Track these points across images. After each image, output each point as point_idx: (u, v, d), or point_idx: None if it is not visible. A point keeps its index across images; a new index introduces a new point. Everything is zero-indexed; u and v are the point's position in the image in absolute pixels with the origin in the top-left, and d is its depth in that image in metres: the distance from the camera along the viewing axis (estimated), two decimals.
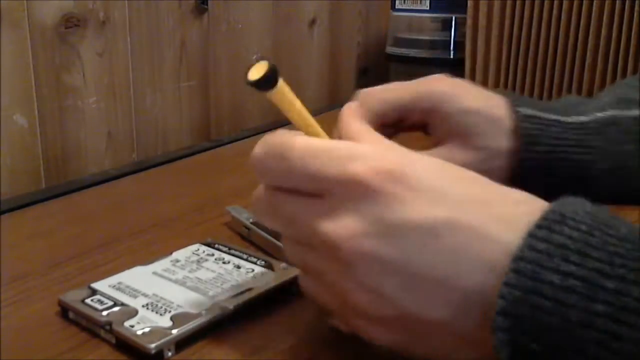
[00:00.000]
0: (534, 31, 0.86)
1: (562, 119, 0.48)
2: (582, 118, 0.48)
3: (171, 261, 0.42)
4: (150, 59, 0.77)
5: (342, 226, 0.29)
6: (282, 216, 0.32)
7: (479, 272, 0.27)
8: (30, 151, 0.67)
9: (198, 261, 0.42)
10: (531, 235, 0.27)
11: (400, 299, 0.29)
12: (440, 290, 0.28)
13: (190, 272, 0.40)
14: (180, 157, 0.73)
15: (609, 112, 0.49)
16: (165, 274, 0.40)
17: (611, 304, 0.25)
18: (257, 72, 0.31)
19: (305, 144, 0.31)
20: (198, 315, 0.35)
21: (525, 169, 0.47)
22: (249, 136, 0.81)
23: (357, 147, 0.31)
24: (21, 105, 0.66)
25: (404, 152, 0.31)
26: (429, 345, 0.30)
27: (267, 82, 0.32)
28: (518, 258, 0.26)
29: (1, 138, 0.64)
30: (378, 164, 0.29)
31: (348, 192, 0.29)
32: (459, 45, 0.94)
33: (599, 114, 0.49)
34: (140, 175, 0.68)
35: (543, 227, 0.27)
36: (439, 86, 0.47)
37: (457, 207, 0.29)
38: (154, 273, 0.40)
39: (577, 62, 0.83)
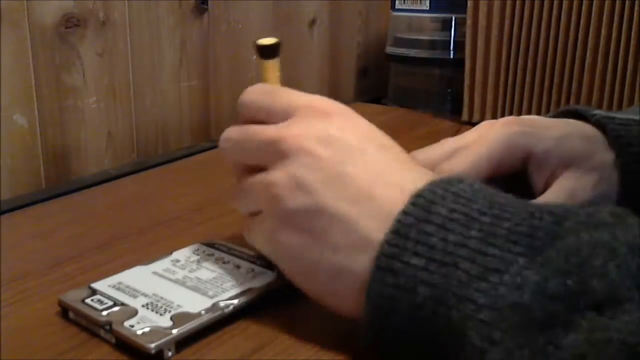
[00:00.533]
0: (533, 31, 0.86)
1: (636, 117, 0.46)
2: None
3: (171, 261, 0.42)
4: (150, 59, 0.77)
5: (291, 129, 0.36)
6: (245, 137, 0.39)
7: (393, 191, 0.33)
8: (30, 151, 0.67)
9: (198, 261, 0.42)
10: (432, 183, 0.32)
11: (318, 190, 0.34)
12: (356, 191, 0.34)
13: (190, 272, 0.40)
14: (180, 157, 0.73)
15: None
16: (165, 274, 0.40)
17: (483, 230, 0.30)
18: (266, 42, 0.41)
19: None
20: (198, 315, 0.35)
21: (631, 172, 0.45)
22: None
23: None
24: (21, 105, 0.66)
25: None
26: (324, 248, 0.34)
27: (272, 51, 0.41)
28: (418, 195, 0.32)
29: (1, 138, 0.64)
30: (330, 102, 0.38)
31: (308, 112, 0.36)
32: (459, 45, 0.93)
33: None
34: (140, 175, 0.68)
35: (444, 181, 0.32)
36: (513, 130, 0.45)
37: (387, 144, 0.36)
38: (154, 273, 0.40)
39: (577, 62, 0.83)
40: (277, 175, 0.35)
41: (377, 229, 0.32)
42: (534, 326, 0.27)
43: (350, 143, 0.35)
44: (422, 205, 0.31)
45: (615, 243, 0.28)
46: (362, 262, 0.32)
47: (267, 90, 0.40)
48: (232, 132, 0.40)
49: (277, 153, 0.36)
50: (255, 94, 0.40)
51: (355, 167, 0.34)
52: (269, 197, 0.36)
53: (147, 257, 0.46)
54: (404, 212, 0.31)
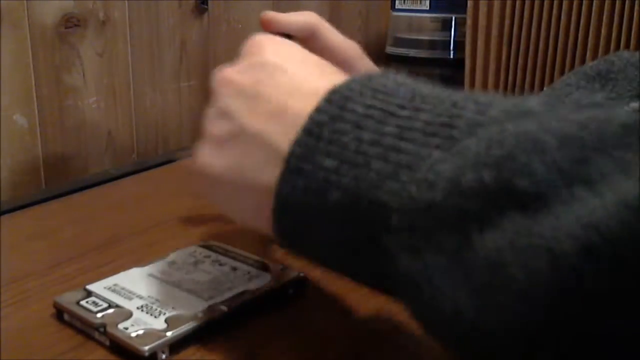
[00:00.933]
0: (533, 31, 0.86)
1: None
2: None
3: (168, 263, 0.42)
4: (150, 59, 0.78)
5: (226, 69, 0.35)
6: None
7: (309, 99, 0.30)
8: (30, 151, 0.67)
9: (194, 263, 0.42)
10: (352, 79, 0.30)
11: (237, 112, 0.33)
12: (272, 107, 0.32)
13: (186, 274, 0.40)
14: (180, 157, 0.73)
15: None
16: (161, 276, 0.40)
17: (399, 126, 0.27)
18: None
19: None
20: (193, 317, 0.35)
21: None
22: None
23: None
24: (21, 105, 0.66)
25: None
26: (245, 169, 0.33)
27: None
28: (333, 91, 0.29)
29: (1, 138, 0.64)
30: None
31: (246, 50, 0.36)
32: (459, 45, 0.94)
33: None
34: (140, 175, 0.68)
35: (365, 76, 0.30)
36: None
37: (311, 61, 0.35)
38: (150, 275, 0.40)
39: (577, 62, 0.83)
40: (209, 111, 0.35)
41: (290, 139, 0.30)
42: (448, 227, 0.24)
43: (270, 65, 0.34)
44: (336, 102, 0.29)
45: (543, 134, 0.23)
46: (275, 174, 0.30)
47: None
48: None
49: (214, 92, 0.36)
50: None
51: (272, 85, 0.33)
52: (203, 132, 0.36)
53: (146, 257, 0.46)
54: (317, 110, 0.29)
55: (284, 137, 0.30)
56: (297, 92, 0.32)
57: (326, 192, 0.28)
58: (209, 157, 0.35)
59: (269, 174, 0.30)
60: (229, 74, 0.35)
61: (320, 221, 0.29)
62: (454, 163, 0.24)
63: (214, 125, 0.35)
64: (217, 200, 0.36)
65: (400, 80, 0.29)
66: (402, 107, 0.28)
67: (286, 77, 0.33)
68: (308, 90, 0.31)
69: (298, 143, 0.29)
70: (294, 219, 0.30)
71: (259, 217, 0.32)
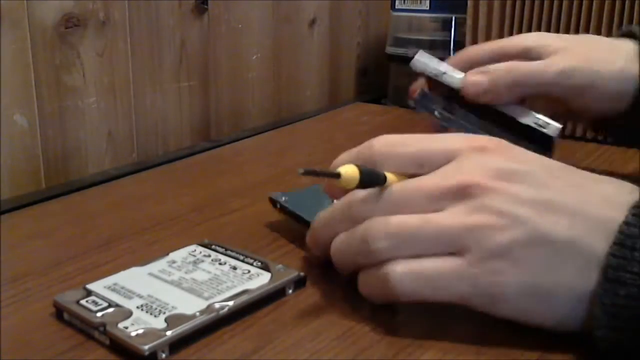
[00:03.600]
0: (533, 31, 0.85)
1: None
2: None
3: (167, 262, 0.42)
4: (150, 59, 0.78)
5: (465, 172, 0.36)
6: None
7: (603, 206, 0.34)
8: (30, 151, 0.67)
9: (194, 262, 0.42)
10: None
11: (530, 219, 0.34)
12: (569, 213, 0.34)
13: (186, 273, 0.40)
14: (180, 157, 0.73)
15: None
16: (161, 275, 0.40)
17: None
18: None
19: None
20: (193, 317, 0.35)
21: None
22: (249, 136, 0.81)
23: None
24: (21, 105, 0.66)
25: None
26: (552, 276, 0.34)
27: None
28: (636, 206, 0.33)
29: (1, 138, 0.64)
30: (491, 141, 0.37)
31: (469, 153, 0.36)
32: (459, 45, 0.94)
33: None
34: (140, 175, 0.68)
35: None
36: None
37: (557, 165, 0.37)
38: (150, 274, 0.40)
39: None
40: (475, 217, 0.34)
41: (600, 245, 0.32)
42: None
43: (530, 171, 0.35)
44: None
45: None
46: (591, 279, 0.32)
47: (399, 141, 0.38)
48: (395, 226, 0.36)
49: (461, 196, 0.35)
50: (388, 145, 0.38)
51: (555, 191, 0.34)
52: (469, 237, 0.34)
53: (146, 257, 0.46)
54: (626, 223, 0.32)
55: (593, 241, 0.33)
56: (584, 197, 0.34)
57: None
58: (499, 271, 0.34)
59: (587, 279, 0.33)
60: (490, 182, 0.34)
61: None
62: None
63: (496, 232, 0.34)
64: (516, 310, 0.35)
65: None
66: None
67: (562, 183, 0.35)
68: (596, 197, 0.34)
69: (613, 255, 0.32)
70: (618, 324, 0.32)
71: (561, 315, 0.34)
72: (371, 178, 0.36)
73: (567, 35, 0.57)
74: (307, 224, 0.43)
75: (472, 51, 0.56)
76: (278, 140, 0.77)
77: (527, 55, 0.53)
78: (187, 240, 0.45)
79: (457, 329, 0.37)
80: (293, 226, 0.49)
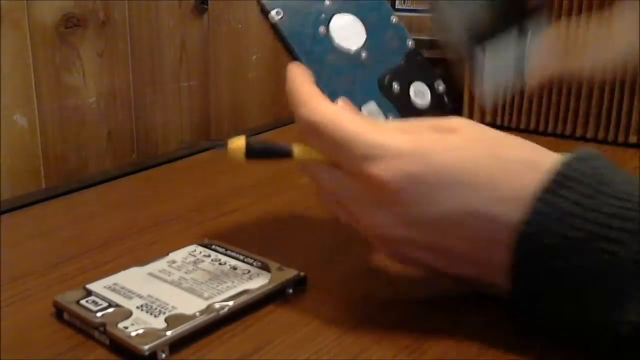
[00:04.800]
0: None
1: None
2: None
3: (167, 262, 0.42)
4: (150, 59, 0.78)
5: (371, 214, 0.36)
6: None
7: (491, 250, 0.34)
8: (30, 151, 0.67)
9: (194, 262, 0.42)
10: (538, 198, 0.32)
11: (430, 260, 0.36)
12: (463, 257, 0.35)
13: (186, 273, 0.40)
14: (180, 157, 0.73)
15: None
16: (161, 275, 0.40)
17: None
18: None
19: (338, 127, 0.36)
20: (192, 317, 0.35)
21: None
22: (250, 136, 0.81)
23: (380, 145, 0.35)
24: (21, 105, 0.66)
25: (418, 142, 0.35)
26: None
27: None
28: (525, 223, 0.32)
29: (1, 138, 0.64)
30: (397, 165, 0.34)
31: (375, 186, 0.35)
32: None
33: None
34: (140, 175, 0.68)
35: (549, 190, 0.32)
36: None
37: (468, 199, 0.34)
38: (150, 274, 0.40)
39: None
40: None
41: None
42: None
43: (434, 218, 0.35)
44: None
45: None
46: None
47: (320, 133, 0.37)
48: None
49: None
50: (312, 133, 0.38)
51: (449, 241, 0.35)
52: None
53: (146, 257, 0.46)
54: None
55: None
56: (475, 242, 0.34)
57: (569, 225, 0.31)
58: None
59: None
60: (394, 232, 0.36)
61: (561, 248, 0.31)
62: None
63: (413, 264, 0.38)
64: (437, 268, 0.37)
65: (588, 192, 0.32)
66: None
67: (459, 231, 0.34)
68: (485, 239, 0.34)
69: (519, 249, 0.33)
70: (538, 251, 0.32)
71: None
72: (260, 153, 0.39)
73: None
74: (299, 60, 0.40)
75: None
76: (278, 140, 0.77)
77: None
78: (186, 241, 0.45)
79: (458, 329, 0.37)
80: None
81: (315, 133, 0.37)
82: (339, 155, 0.36)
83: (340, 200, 0.38)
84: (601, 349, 0.33)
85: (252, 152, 0.37)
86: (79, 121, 0.71)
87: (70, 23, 0.69)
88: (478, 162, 0.34)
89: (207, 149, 0.37)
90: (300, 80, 0.38)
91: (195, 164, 0.71)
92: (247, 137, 0.37)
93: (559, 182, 0.32)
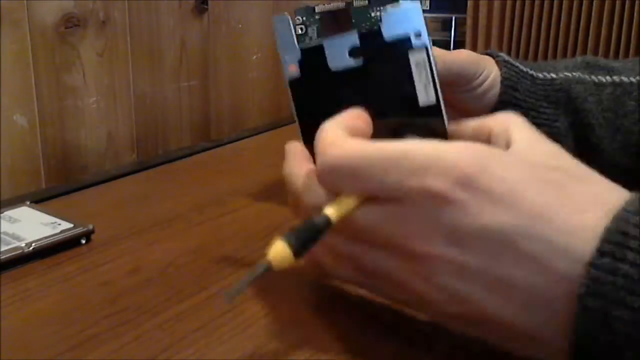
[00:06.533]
0: (534, 31, 0.86)
1: (535, 73, 0.53)
2: (552, 75, 0.53)
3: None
4: (150, 59, 0.78)
5: (421, 235, 0.30)
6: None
7: (554, 282, 0.28)
8: (30, 151, 0.67)
9: None
10: (605, 232, 0.28)
11: (480, 300, 0.30)
12: (518, 296, 0.29)
13: None
14: (180, 157, 0.73)
15: (576, 73, 0.53)
16: None
17: None
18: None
19: (375, 153, 0.32)
20: None
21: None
22: (249, 136, 0.81)
23: (429, 155, 0.31)
24: (21, 105, 0.66)
25: (475, 151, 0.31)
26: (498, 338, 0.31)
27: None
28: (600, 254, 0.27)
29: (1, 138, 0.64)
30: (452, 172, 0.30)
31: (426, 202, 0.30)
32: (459, 45, 0.94)
33: (567, 73, 0.53)
34: (140, 175, 0.68)
35: (606, 254, 0.27)
36: None
37: (527, 217, 0.29)
38: None
39: None
40: (426, 289, 0.31)
41: (554, 329, 0.29)
42: None
43: (497, 233, 0.29)
44: (606, 266, 0.27)
45: None
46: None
47: (351, 171, 0.32)
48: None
49: (411, 263, 0.31)
50: (340, 175, 0.33)
51: (511, 262, 0.29)
52: (418, 300, 0.32)
53: (146, 257, 0.46)
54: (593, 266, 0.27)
55: (536, 325, 0.29)
56: (534, 269, 0.29)
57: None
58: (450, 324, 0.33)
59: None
60: (439, 251, 0.30)
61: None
62: None
63: (445, 305, 0.31)
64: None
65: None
66: None
67: (513, 250, 0.29)
68: (547, 267, 0.28)
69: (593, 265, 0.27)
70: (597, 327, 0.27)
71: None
72: (306, 242, 0.32)
73: None
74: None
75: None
76: (278, 140, 0.77)
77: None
78: (187, 241, 0.45)
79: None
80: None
81: (350, 170, 0.32)
82: (386, 177, 0.31)
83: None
84: None
85: (299, 252, 0.32)
86: (79, 121, 0.71)
87: (70, 23, 0.69)
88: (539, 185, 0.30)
89: (249, 285, 0.31)
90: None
91: (195, 164, 0.72)
92: (288, 240, 0.32)
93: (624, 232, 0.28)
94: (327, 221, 0.32)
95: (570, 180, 0.31)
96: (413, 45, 0.37)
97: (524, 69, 0.53)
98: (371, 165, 0.31)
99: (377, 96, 0.38)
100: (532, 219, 0.29)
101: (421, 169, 0.30)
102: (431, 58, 0.37)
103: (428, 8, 0.95)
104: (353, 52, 0.38)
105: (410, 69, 0.37)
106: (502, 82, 0.52)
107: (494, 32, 0.90)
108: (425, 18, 0.37)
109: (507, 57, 0.54)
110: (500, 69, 0.52)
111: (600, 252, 0.27)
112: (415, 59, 0.37)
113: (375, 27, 0.38)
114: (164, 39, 0.79)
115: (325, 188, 0.33)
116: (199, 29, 0.83)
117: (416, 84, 0.37)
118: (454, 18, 0.93)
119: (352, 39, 0.38)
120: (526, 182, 0.30)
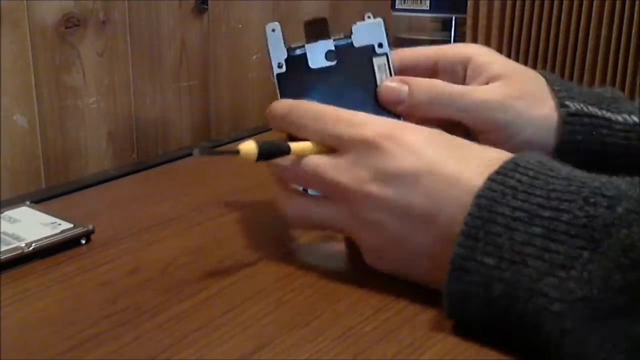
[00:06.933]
0: (534, 31, 0.86)
1: (612, 117, 0.48)
2: (634, 118, 0.48)
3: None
4: (150, 59, 0.78)
5: (354, 177, 0.40)
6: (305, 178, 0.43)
7: (451, 209, 0.37)
8: (30, 151, 0.67)
9: None
10: (490, 179, 0.36)
11: (396, 229, 0.39)
12: (424, 222, 0.38)
13: None
14: (180, 157, 0.73)
15: None
16: None
17: (545, 227, 0.33)
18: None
19: (330, 108, 0.43)
20: None
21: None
22: (248, 136, 0.81)
23: (368, 116, 0.42)
24: (21, 105, 0.66)
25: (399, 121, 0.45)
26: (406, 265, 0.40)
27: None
28: (479, 196, 0.35)
29: (1, 138, 0.64)
30: (383, 128, 0.40)
31: (360, 148, 0.40)
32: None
33: None
34: (140, 175, 0.68)
35: (500, 173, 0.36)
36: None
37: (435, 159, 0.39)
38: None
39: (577, 62, 0.83)
40: (356, 225, 0.41)
41: (444, 243, 0.37)
42: (602, 317, 0.30)
43: (409, 174, 0.39)
44: (485, 206, 0.35)
45: None
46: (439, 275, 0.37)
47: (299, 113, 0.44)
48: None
49: (345, 203, 0.41)
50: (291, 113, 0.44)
51: (418, 194, 0.38)
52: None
53: (146, 257, 0.46)
54: (470, 215, 0.35)
55: (436, 246, 0.38)
56: (437, 201, 0.38)
57: (490, 285, 0.34)
58: (373, 260, 0.42)
59: (434, 276, 0.38)
60: (367, 189, 0.39)
61: (483, 309, 0.35)
62: (601, 264, 0.31)
63: (370, 239, 0.41)
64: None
65: (531, 174, 0.35)
66: (543, 207, 0.34)
67: (420, 187, 0.38)
68: (447, 198, 0.37)
69: (459, 245, 0.35)
70: (460, 308, 0.36)
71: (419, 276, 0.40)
72: (271, 151, 0.42)
73: (512, 62, 0.51)
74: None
75: (407, 53, 0.51)
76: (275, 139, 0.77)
77: (464, 64, 0.49)
78: (186, 241, 0.45)
79: (458, 329, 0.37)
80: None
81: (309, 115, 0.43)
82: (333, 129, 0.42)
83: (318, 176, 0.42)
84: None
85: (262, 155, 0.41)
86: (79, 121, 0.71)
87: (70, 23, 0.69)
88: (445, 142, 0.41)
89: (217, 153, 0.43)
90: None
91: (195, 164, 0.71)
92: (257, 142, 0.41)
93: (510, 167, 0.36)
94: (288, 148, 0.42)
95: (463, 143, 0.41)
96: (377, 52, 0.48)
97: (598, 114, 0.48)
98: (323, 116, 0.42)
99: (347, 89, 0.48)
100: (434, 164, 0.38)
101: (361, 123, 0.41)
102: (390, 62, 0.48)
103: (428, 8, 0.94)
104: (328, 55, 0.48)
105: (373, 70, 0.48)
106: (565, 139, 0.48)
107: (494, 32, 0.89)
108: (387, 31, 0.49)
109: (575, 106, 0.48)
110: (564, 125, 0.47)
111: (490, 179, 0.36)
112: (378, 62, 0.48)
113: (348, 37, 0.49)
114: (164, 39, 0.79)
115: (285, 126, 0.45)
116: (199, 29, 0.83)
117: (378, 81, 0.48)
118: (454, 18, 0.93)
119: (329, 44, 0.48)
120: (431, 141, 0.40)
